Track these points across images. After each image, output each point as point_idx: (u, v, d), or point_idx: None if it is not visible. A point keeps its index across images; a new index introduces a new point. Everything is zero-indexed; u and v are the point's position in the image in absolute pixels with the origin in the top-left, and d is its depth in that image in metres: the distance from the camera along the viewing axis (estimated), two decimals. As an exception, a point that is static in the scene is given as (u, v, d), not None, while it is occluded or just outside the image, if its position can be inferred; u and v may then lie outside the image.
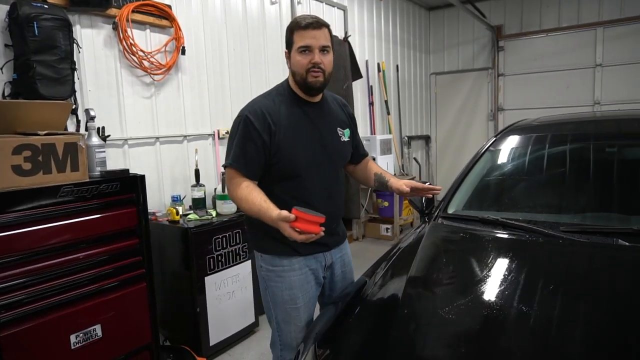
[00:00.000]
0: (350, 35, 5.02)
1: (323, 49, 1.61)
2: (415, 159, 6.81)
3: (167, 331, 2.89)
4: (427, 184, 1.92)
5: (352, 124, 1.87)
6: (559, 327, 1.18)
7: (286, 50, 1.67)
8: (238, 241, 2.96)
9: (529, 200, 2.11)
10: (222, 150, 3.54)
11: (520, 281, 1.44)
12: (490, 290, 1.40)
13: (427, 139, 7.31)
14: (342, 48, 4.94)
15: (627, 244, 1.57)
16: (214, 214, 2.95)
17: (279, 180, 1.66)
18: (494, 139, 2.55)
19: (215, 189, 3.24)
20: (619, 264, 1.53)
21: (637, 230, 1.63)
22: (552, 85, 6.29)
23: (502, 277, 1.46)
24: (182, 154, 3.26)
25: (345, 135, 1.80)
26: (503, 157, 2.44)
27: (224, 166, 1.65)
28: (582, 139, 2.19)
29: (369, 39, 5.67)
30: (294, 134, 1.64)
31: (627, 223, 1.77)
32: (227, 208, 2.99)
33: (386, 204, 5.45)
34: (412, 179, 6.30)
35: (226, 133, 3.54)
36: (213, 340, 2.80)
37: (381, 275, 1.69)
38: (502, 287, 1.40)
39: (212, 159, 3.48)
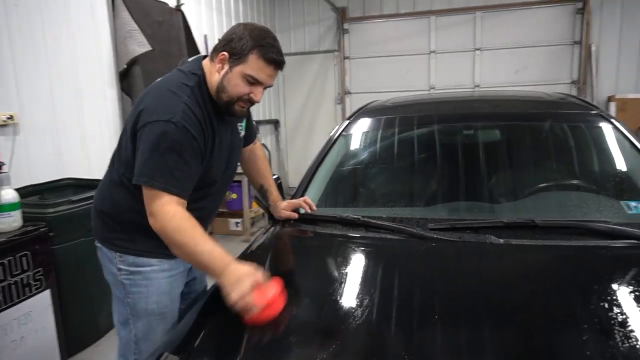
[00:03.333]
0: (183, 4, 4.31)
1: (266, 87, 1.39)
2: (263, 144, 6.42)
3: None
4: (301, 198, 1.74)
5: (248, 113, 1.64)
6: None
7: (226, 54, 1.33)
8: (27, 267, 2.16)
9: (391, 192, 1.84)
10: (2, 142, 2.61)
11: (389, 305, 1.12)
12: (351, 320, 1.06)
13: (276, 123, 6.97)
14: (175, 18, 4.23)
15: (500, 241, 1.37)
16: (-16, 233, 2.10)
17: None
18: (347, 122, 2.25)
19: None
20: (498, 271, 1.31)
21: (507, 224, 1.44)
22: (393, 70, 6.46)
23: (365, 301, 1.13)
24: None
25: (243, 128, 1.61)
26: (359, 143, 2.16)
27: (142, 184, 1.29)
28: (441, 121, 2.01)
29: (207, 11, 5.01)
30: (215, 141, 1.41)
31: (494, 214, 1.60)
32: (6, 222, 2.15)
33: (234, 196, 4.95)
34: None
35: (8, 119, 2.61)
36: (-8, 410, 2.00)
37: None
38: (366, 316, 1.07)
39: (-16, 155, 2.53)
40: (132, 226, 1.42)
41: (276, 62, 1.33)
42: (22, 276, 2.13)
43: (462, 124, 1.97)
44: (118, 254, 1.45)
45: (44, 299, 2.25)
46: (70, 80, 3.15)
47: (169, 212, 1.26)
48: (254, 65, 1.31)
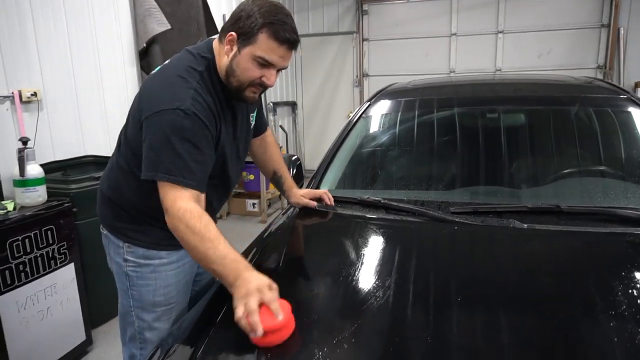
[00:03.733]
0: (202, -18, 4.28)
1: (280, 70, 1.26)
2: (281, 126, 6.41)
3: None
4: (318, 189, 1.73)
5: (260, 102, 1.57)
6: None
7: (234, 34, 1.20)
8: (52, 241, 2.21)
9: (412, 175, 1.83)
10: (26, 119, 2.65)
11: (412, 286, 1.12)
12: (374, 301, 1.06)
13: (293, 105, 6.95)
14: (194, -3, 4.20)
15: (524, 226, 1.35)
16: (10, 206, 2.15)
17: None
18: (368, 104, 2.23)
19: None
20: (521, 256, 1.29)
21: (531, 209, 1.43)
22: (413, 53, 6.35)
23: (387, 281, 1.13)
24: (-41, 124, 2.33)
25: (253, 119, 1.52)
26: (379, 125, 2.13)
27: (158, 179, 1.18)
28: (463, 104, 1.97)
29: (226, -10, 4.97)
30: (226, 130, 1.32)
31: (517, 199, 1.58)
32: (32, 197, 2.20)
33: (251, 177, 4.98)
34: (280, 148, 5.97)
35: (32, 95, 2.65)
36: (20, 378, 2.08)
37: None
38: (390, 297, 1.07)
39: (11, 131, 2.57)
40: (141, 216, 1.35)
41: (289, 41, 1.18)
42: (47, 249, 2.19)
43: (486, 107, 1.93)
44: (127, 244, 1.38)
45: (69, 272, 2.32)
46: (91, 58, 3.17)
47: (180, 208, 1.14)
48: (264, 45, 1.17)
